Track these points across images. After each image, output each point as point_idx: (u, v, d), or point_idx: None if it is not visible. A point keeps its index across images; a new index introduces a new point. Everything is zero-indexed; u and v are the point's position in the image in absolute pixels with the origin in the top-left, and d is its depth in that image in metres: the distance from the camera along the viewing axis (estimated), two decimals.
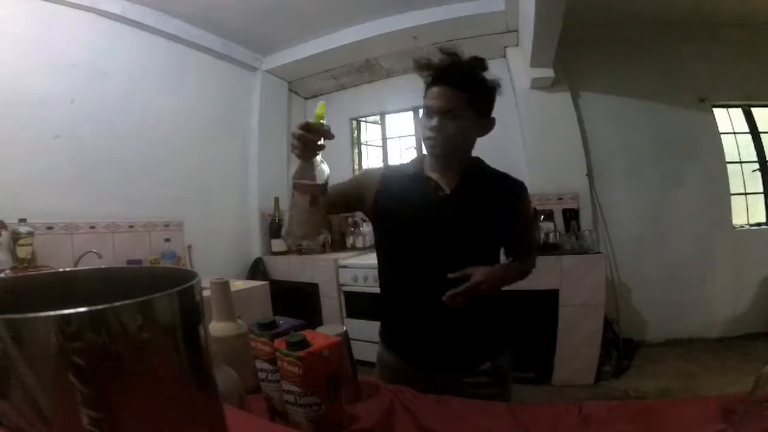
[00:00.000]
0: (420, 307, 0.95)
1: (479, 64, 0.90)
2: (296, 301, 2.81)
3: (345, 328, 0.82)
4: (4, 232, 1.70)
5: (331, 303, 2.78)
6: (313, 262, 2.87)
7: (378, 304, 1.05)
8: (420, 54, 0.95)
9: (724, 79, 2.79)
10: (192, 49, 2.72)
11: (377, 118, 3.61)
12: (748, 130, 2.94)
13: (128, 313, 0.27)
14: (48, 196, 1.95)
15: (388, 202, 0.97)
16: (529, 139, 2.77)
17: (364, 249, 3.12)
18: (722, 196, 2.82)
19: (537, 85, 2.75)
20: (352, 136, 3.63)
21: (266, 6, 2.47)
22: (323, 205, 0.78)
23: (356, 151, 3.66)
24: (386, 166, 1.09)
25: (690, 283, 2.79)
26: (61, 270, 0.43)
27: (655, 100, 2.85)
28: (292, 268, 2.96)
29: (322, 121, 0.75)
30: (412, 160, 1.06)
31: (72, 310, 0.24)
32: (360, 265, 2.67)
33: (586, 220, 2.73)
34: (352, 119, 3.61)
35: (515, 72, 2.83)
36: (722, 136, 2.86)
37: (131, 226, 2.30)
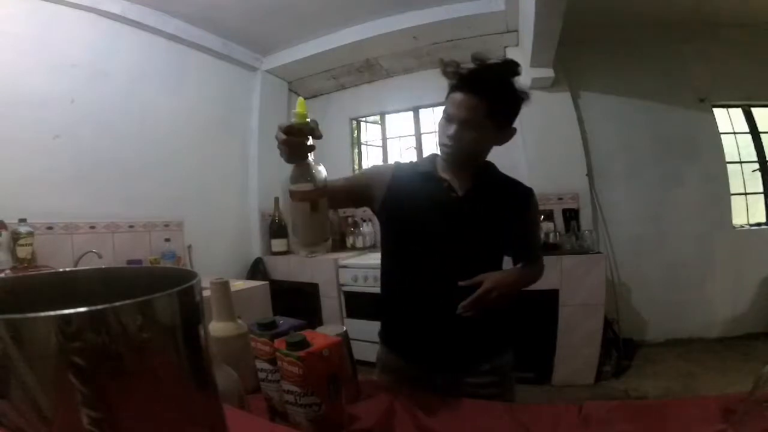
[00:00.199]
0: (422, 307, 0.94)
1: (509, 68, 0.86)
2: (296, 301, 2.81)
3: (345, 328, 0.82)
4: (4, 232, 1.70)
5: (331, 303, 2.78)
6: (313, 262, 2.87)
7: (379, 304, 1.05)
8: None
9: (724, 79, 2.79)
10: (192, 49, 2.72)
11: (377, 118, 3.61)
12: (748, 130, 2.94)
13: (128, 313, 0.27)
14: (48, 196, 1.95)
15: (399, 199, 0.96)
16: (529, 139, 2.77)
17: (364, 249, 3.12)
18: (722, 196, 2.82)
19: (537, 85, 2.74)
20: (352, 136, 3.63)
21: (266, 6, 2.47)
22: (327, 208, 0.72)
23: (356, 151, 3.66)
24: (398, 163, 1.04)
25: (690, 283, 2.79)
26: (61, 270, 0.43)
27: (655, 100, 2.85)
28: (292, 268, 2.96)
29: (307, 120, 0.67)
30: (424, 159, 1.04)
31: (72, 310, 0.24)
32: (360, 265, 2.67)
33: (586, 220, 2.73)
34: (352, 119, 3.61)
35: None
36: (722, 136, 2.86)
37: (131, 226, 2.30)
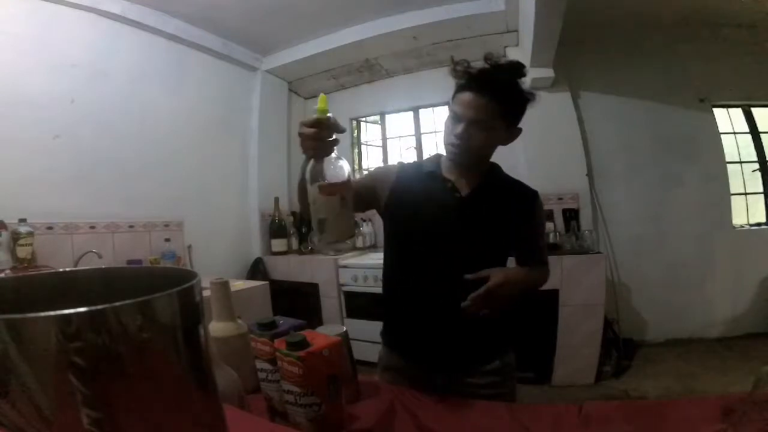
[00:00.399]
0: (424, 307, 0.94)
1: (517, 70, 0.87)
2: (296, 301, 2.81)
3: (345, 328, 0.82)
4: (4, 232, 1.70)
5: (331, 303, 2.78)
6: (313, 262, 2.87)
7: (381, 304, 1.04)
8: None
9: (724, 79, 2.79)
10: (192, 49, 2.72)
11: (377, 118, 3.61)
12: (748, 130, 2.94)
13: (128, 313, 0.27)
14: (48, 196, 1.95)
15: (403, 198, 0.96)
16: (529, 139, 2.72)
17: (364, 249, 3.12)
18: (722, 196, 2.82)
19: (537, 85, 2.74)
20: (352, 136, 3.63)
21: (266, 6, 2.47)
22: (352, 202, 0.71)
23: (356, 151, 3.66)
24: (402, 163, 1.04)
25: (690, 283, 2.79)
26: (61, 270, 0.43)
27: (655, 100, 2.85)
28: (292, 268, 2.96)
29: (328, 114, 0.68)
30: (429, 159, 1.04)
31: (72, 310, 0.24)
32: (360, 265, 2.67)
33: (586, 220, 2.73)
34: (352, 119, 3.61)
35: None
36: (722, 136, 2.86)
37: (131, 226, 2.30)
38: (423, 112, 3.40)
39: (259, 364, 0.70)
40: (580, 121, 2.83)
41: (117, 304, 0.26)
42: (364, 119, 3.67)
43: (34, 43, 1.95)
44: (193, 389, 0.32)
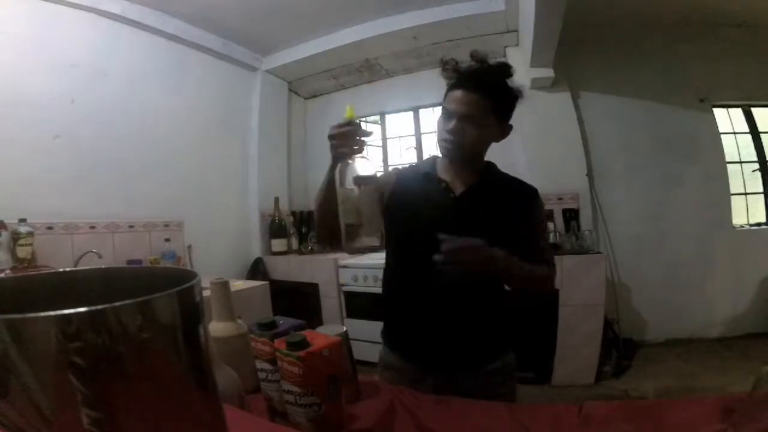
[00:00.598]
0: (422, 308, 0.94)
1: (504, 70, 0.90)
2: (296, 301, 2.81)
3: (345, 328, 0.82)
4: (4, 232, 1.70)
5: (331, 303, 2.78)
6: (313, 262, 2.87)
7: (381, 304, 1.05)
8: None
9: (724, 79, 2.79)
10: (192, 49, 2.72)
11: (377, 118, 3.61)
12: (748, 130, 2.94)
13: (128, 313, 0.27)
14: (48, 196, 1.95)
15: (400, 201, 0.97)
16: (529, 139, 2.77)
17: (365, 249, 3.12)
18: (722, 196, 2.82)
19: (537, 85, 2.74)
20: None
21: (266, 6, 2.47)
22: (378, 200, 0.77)
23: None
24: (399, 168, 1.08)
25: (690, 283, 2.79)
26: (61, 270, 0.43)
27: (655, 100, 2.85)
28: (292, 268, 2.96)
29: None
30: (425, 160, 1.06)
31: (72, 310, 0.24)
32: (360, 265, 2.67)
33: (586, 220, 2.73)
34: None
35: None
36: (722, 136, 2.86)
37: (131, 226, 2.30)
38: (423, 112, 3.40)
39: (259, 364, 0.70)
40: (580, 121, 2.83)
41: (117, 304, 0.26)
42: (364, 119, 3.67)
43: (34, 43, 1.95)
44: (193, 389, 0.32)
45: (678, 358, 2.53)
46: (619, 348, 2.48)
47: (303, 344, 0.61)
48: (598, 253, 2.41)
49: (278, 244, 3.06)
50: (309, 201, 3.53)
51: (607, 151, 2.87)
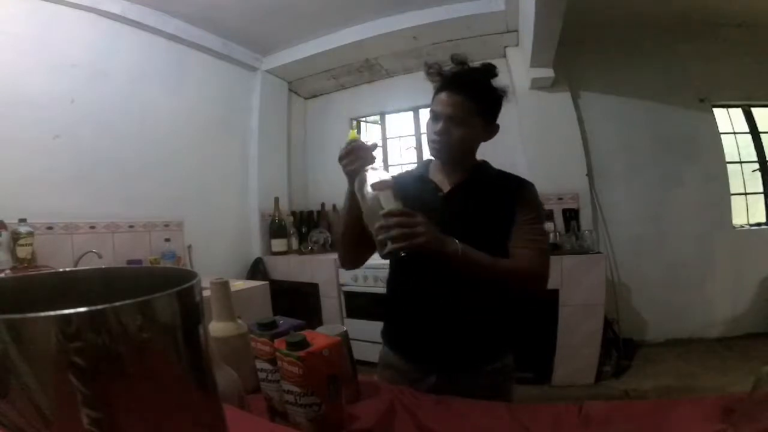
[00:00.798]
0: (421, 307, 0.95)
1: (489, 71, 0.92)
2: (296, 301, 2.81)
3: (345, 328, 0.82)
4: (4, 232, 1.70)
5: (331, 303, 2.78)
6: (313, 262, 2.87)
7: (382, 304, 1.07)
8: (431, 59, 0.95)
9: (724, 79, 2.80)
10: (192, 49, 2.72)
11: (377, 118, 3.61)
12: (748, 130, 2.94)
13: (128, 313, 0.27)
14: (48, 196, 1.95)
15: None
16: (529, 139, 2.77)
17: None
18: (722, 196, 2.82)
19: (537, 85, 2.74)
20: None
21: (266, 6, 2.47)
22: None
23: None
24: (399, 173, 1.10)
25: (690, 283, 2.79)
26: (61, 270, 0.43)
27: (655, 100, 2.85)
28: (292, 268, 2.96)
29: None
30: (421, 163, 1.09)
31: (72, 310, 0.24)
32: None
33: (586, 220, 2.73)
34: (352, 119, 3.61)
35: (515, 72, 2.83)
36: (722, 136, 2.86)
37: (131, 226, 2.30)
38: (423, 112, 3.40)
39: (259, 364, 0.70)
40: (580, 121, 2.83)
41: (117, 304, 0.26)
42: (364, 119, 3.67)
43: (34, 43, 1.95)
44: (193, 389, 0.32)
45: (678, 358, 2.53)
46: (619, 348, 2.48)
47: (303, 344, 0.61)
48: (598, 253, 2.41)
49: (278, 244, 3.06)
50: (309, 201, 3.54)
51: (607, 151, 2.87)
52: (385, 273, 1.10)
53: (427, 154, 1.07)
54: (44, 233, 1.91)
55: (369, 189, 0.77)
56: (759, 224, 2.89)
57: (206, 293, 0.67)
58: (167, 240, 2.41)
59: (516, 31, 2.75)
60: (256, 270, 2.95)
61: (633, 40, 2.85)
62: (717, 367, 2.33)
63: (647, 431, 0.60)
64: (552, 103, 2.78)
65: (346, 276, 2.70)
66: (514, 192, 0.95)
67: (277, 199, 3.12)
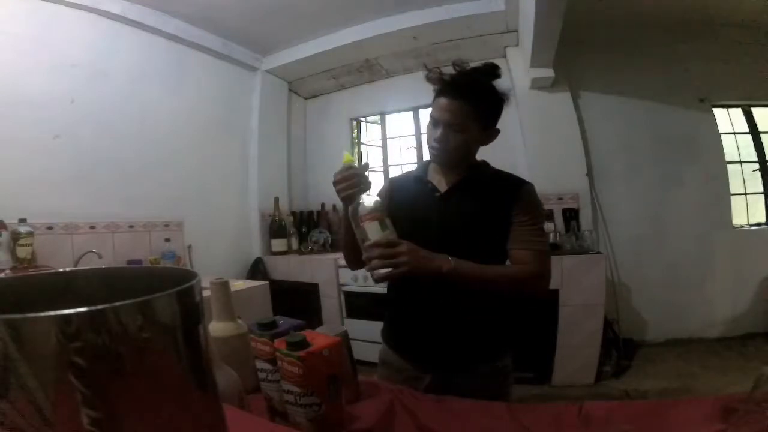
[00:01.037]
0: (420, 307, 0.95)
1: (491, 71, 0.90)
2: (296, 301, 2.81)
3: (345, 328, 0.82)
4: (4, 232, 1.69)
5: (331, 303, 2.78)
6: (313, 262, 2.87)
7: (382, 304, 1.07)
8: (431, 59, 0.95)
9: (724, 79, 2.80)
10: (192, 49, 2.72)
11: (377, 118, 3.61)
12: (748, 130, 2.94)
13: (128, 313, 0.27)
14: (48, 196, 1.95)
15: (399, 205, 0.99)
16: (529, 138, 2.77)
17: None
18: (722, 196, 2.82)
19: (537, 85, 2.74)
20: (352, 136, 3.63)
21: (266, 6, 2.47)
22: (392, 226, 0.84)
23: (356, 151, 3.66)
24: (394, 177, 1.12)
25: (690, 283, 2.79)
26: (61, 270, 0.43)
27: (655, 100, 2.85)
28: (292, 268, 2.96)
29: (354, 164, 0.86)
30: (420, 165, 1.09)
31: (72, 310, 0.24)
32: None
33: (586, 220, 2.73)
34: (352, 119, 3.61)
35: (515, 72, 2.83)
36: (722, 136, 2.86)
37: (131, 226, 2.30)
38: (423, 112, 3.40)
39: (259, 364, 0.70)
40: (580, 121, 2.83)
41: (117, 304, 0.26)
42: (364, 119, 3.67)
43: (34, 43, 1.95)
44: (193, 389, 0.32)
45: (678, 358, 2.53)
46: (619, 348, 2.48)
47: (303, 344, 0.61)
48: (598, 253, 2.41)
49: (278, 244, 3.06)
50: (309, 201, 3.53)
51: (607, 151, 2.87)
52: None
53: (426, 155, 1.07)
54: (44, 233, 1.91)
55: (359, 219, 0.82)
56: (759, 224, 2.89)
57: (206, 293, 0.67)
58: (167, 240, 2.41)
59: (516, 31, 2.75)
60: (256, 270, 2.95)
61: (633, 40, 2.85)
62: (717, 367, 2.33)
63: (647, 431, 0.60)
64: (552, 103, 2.78)
65: (346, 276, 2.70)
66: (512, 192, 0.94)
67: (277, 199, 3.12)
